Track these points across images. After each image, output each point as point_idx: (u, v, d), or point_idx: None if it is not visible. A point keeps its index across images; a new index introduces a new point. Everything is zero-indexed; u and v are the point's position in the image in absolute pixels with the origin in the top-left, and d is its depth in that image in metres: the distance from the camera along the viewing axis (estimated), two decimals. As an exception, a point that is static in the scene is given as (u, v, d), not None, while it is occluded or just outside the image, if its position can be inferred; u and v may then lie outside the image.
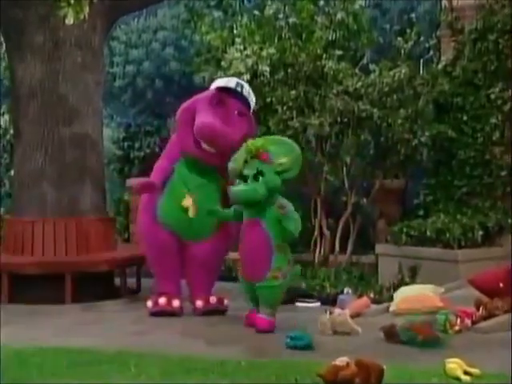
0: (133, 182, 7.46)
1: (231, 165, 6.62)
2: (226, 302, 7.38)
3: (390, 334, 5.98)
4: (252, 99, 7.35)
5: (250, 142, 6.58)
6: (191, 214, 7.16)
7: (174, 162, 7.31)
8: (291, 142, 6.81)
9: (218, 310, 7.30)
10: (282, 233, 6.51)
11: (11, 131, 11.82)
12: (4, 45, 9.74)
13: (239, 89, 7.23)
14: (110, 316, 7.40)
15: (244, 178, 6.52)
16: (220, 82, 7.36)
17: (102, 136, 8.92)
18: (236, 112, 7.16)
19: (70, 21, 6.10)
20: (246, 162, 6.49)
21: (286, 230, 6.47)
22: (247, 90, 7.31)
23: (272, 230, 6.52)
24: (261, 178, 6.44)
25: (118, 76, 13.15)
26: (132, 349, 5.85)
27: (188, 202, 7.19)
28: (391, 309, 6.34)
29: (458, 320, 6.30)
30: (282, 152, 6.58)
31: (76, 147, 8.50)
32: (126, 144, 13.13)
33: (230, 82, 7.32)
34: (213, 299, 7.31)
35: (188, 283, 7.46)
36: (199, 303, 7.28)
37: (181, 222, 7.19)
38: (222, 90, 7.21)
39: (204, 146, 7.07)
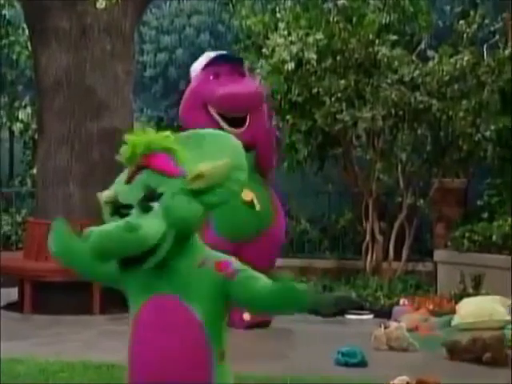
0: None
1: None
2: None
3: (454, 351, 5.91)
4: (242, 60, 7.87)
5: (135, 133, 3.28)
6: (257, 207, 7.21)
7: None
8: (220, 135, 3.37)
9: (263, 323, 7.31)
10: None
11: (34, 125, 11.99)
12: (27, 31, 9.85)
13: (222, 53, 7.74)
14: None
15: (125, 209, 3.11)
16: (202, 61, 7.74)
17: (132, 130, 8.94)
18: (237, 74, 7.49)
19: (101, 4, 6.13)
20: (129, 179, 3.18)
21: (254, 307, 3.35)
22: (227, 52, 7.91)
23: (207, 316, 3.07)
24: (155, 205, 3.05)
25: (149, 65, 13.20)
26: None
27: (248, 195, 7.16)
28: (454, 322, 6.28)
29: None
30: (201, 154, 3.21)
31: (104, 143, 8.53)
32: (157, 139, 13.18)
33: (210, 55, 7.79)
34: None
35: None
36: (247, 315, 7.28)
37: (234, 223, 7.20)
38: (209, 64, 7.57)
39: (226, 127, 7.15)
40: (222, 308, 3.05)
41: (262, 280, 2.96)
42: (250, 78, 7.71)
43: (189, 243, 3.08)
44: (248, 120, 7.40)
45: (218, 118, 7.35)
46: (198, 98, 7.44)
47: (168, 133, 3.17)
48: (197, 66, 7.74)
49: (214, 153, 3.17)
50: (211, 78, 7.44)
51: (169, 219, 2.99)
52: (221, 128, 7.15)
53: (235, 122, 7.33)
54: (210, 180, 3.08)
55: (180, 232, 3.01)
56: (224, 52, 7.76)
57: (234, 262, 3.05)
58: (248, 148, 7.03)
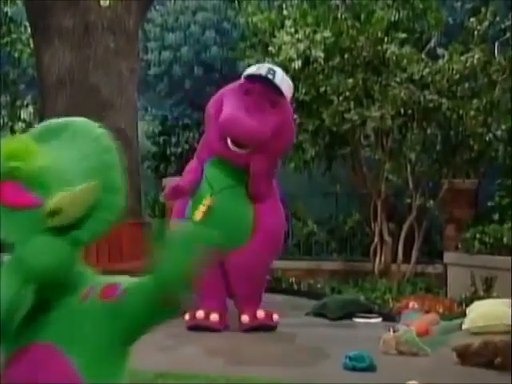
0: (169, 183, 7.49)
1: None
2: (275, 317, 7.35)
3: (465, 356, 5.90)
4: (287, 88, 7.18)
5: None
6: (197, 216, 7.03)
7: (203, 161, 7.33)
8: (88, 129, 2.66)
9: (267, 326, 7.29)
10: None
11: (36, 125, 12.01)
12: (29, 29, 9.87)
13: (271, 76, 7.03)
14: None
15: None
16: (249, 70, 7.28)
17: (136, 131, 8.97)
18: (268, 103, 7.01)
19: (105, 3, 6.14)
20: None
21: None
22: (281, 76, 7.13)
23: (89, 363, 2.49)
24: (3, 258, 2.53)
25: (153, 63, 13.22)
26: (167, 369, 5.85)
27: (206, 203, 7.10)
28: (465, 326, 6.26)
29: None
30: (56, 153, 2.50)
31: (108, 143, 8.54)
32: (161, 139, 13.22)
33: (261, 68, 7.19)
34: (260, 314, 7.29)
35: (232, 297, 7.46)
36: (245, 318, 7.26)
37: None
38: (252, 78, 7.08)
39: (229, 143, 7.00)
40: (113, 345, 2.42)
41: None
42: (282, 112, 7.10)
43: (67, 279, 2.43)
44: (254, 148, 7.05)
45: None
46: (219, 103, 7.15)
47: (17, 140, 2.42)
48: (247, 71, 7.32)
49: (73, 157, 2.43)
50: (241, 91, 7.02)
51: (22, 273, 2.30)
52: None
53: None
54: (70, 214, 2.33)
55: (45, 283, 2.35)
56: (269, 75, 7.01)
57: (124, 283, 2.42)
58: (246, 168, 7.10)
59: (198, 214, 7.07)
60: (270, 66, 7.40)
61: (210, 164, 7.27)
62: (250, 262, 7.25)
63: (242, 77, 7.19)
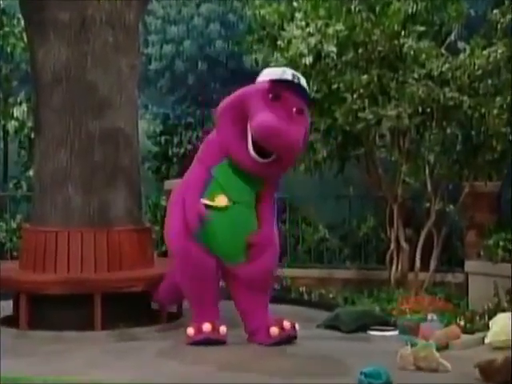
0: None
1: None
2: (297, 326, 7.47)
3: (488, 372, 5.89)
4: (309, 94, 7.39)
5: None
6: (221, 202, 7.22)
7: (211, 167, 7.38)
8: None
9: (291, 338, 7.39)
10: None
11: (30, 124, 12.04)
12: (22, 21, 9.88)
13: (297, 81, 7.20)
14: (146, 346, 7.44)
15: None
16: (273, 73, 7.34)
17: (137, 130, 8.98)
18: (294, 109, 7.14)
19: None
20: None
21: None
22: (304, 82, 7.32)
23: None
24: None
25: (154, 58, 13.26)
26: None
27: (222, 200, 7.24)
28: (487, 340, 6.25)
29: None
30: None
31: (107, 144, 8.55)
32: (163, 139, 13.25)
33: (286, 73, 7.30)
34: (287, 325, 7.36)
35: (242, 309, 7.50)
36: (274, 330, 7.31)
37: (225, 243, 7.32)
38: (277, 82, 7.17)
39: (251, 150, 7.10)
40: None
41: None
42: (306, 119, 7.31)
43: None
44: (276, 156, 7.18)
45: (249, 137, 7.17)
46: (241, 106, 7.19)
47: None
48: (268, 73, 7.37)
49: None
50: (270, 96, 7.09)
51: None
52: (246, 149, 7.19)
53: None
54: None
55: None
56: (295, 80, 7.20)
57: None
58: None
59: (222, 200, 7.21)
60: (289, 69, 7.49)
61: (222, 168, 7.34)
62: (264, 274, 7.45)
63: (268, 80, 7.21)
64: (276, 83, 7.17)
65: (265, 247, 7.39)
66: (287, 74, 7.25)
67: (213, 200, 7.28)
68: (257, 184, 7.38)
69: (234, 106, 7.26)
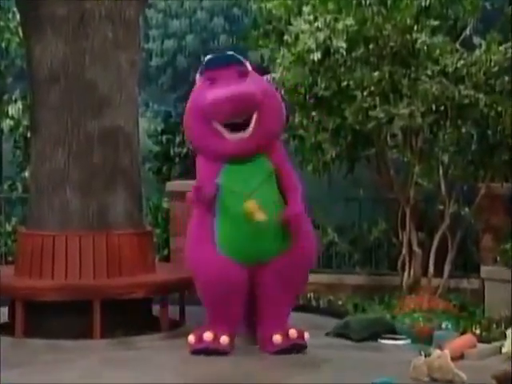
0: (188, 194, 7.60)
1: None
2: (306, 335, 7.41)
3: (505, 383, 5.88)
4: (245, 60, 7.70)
5: None
6: (261, 217, 7.16)
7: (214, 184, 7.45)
8: None
9: (297, 347, 7.34)
10: None
11: (25, 122, 12.06)
12: (18, 16, 9.89)
13: (217, 55, 7.75)
14: (147, 355, 7.45)
15: None
16: (201, 66, 7.76)
17: (137, 129, 8.99)
18: (236, 75, 7.45)
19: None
20: None
21: None
22: (230, 52, 7.80)
23: None
24: None
25: (156, 53, 13.29)
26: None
27: (252, 205, 7.20)
28: (505, 350, 6.25)
29: None
30: None
31: (106, 144, 8.56)
32: (164, 138, 13.25)
33: (207, 57, 7.80)
34: (293, 333, 7.34)
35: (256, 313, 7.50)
36: (277, 338, 7.29)
37: (245, 245, 7.28)
38: (205, 69, 7.60)
39: (222, 130, 7.32)
40: None
41: None
42: (254, 75, 7.66)
43: None
44: (253, 122, 7.39)
45: (217, 126, 7.38)
46: (196, 109, 7.49)
47: None
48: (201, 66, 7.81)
49: None
50: (208, 83, 7.46)
51: None
52: (224, 137, 7.36)
53: (238, 126, 7.36)
54: None
55: None
56: (214, 55, 7.82)
57: None
58: (258, 153, 7.33)
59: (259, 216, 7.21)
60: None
61: (226, 171, 7.43)
62: (286, 275, 7.44)
63: (199, 74, 7.70)
64: (206, 71, 7.57)
65: (300, 219, 7.42)
66: (207, 57, 7.77)
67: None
68: (261, 167, 7.44)
69: (190, 115, 7.58)
